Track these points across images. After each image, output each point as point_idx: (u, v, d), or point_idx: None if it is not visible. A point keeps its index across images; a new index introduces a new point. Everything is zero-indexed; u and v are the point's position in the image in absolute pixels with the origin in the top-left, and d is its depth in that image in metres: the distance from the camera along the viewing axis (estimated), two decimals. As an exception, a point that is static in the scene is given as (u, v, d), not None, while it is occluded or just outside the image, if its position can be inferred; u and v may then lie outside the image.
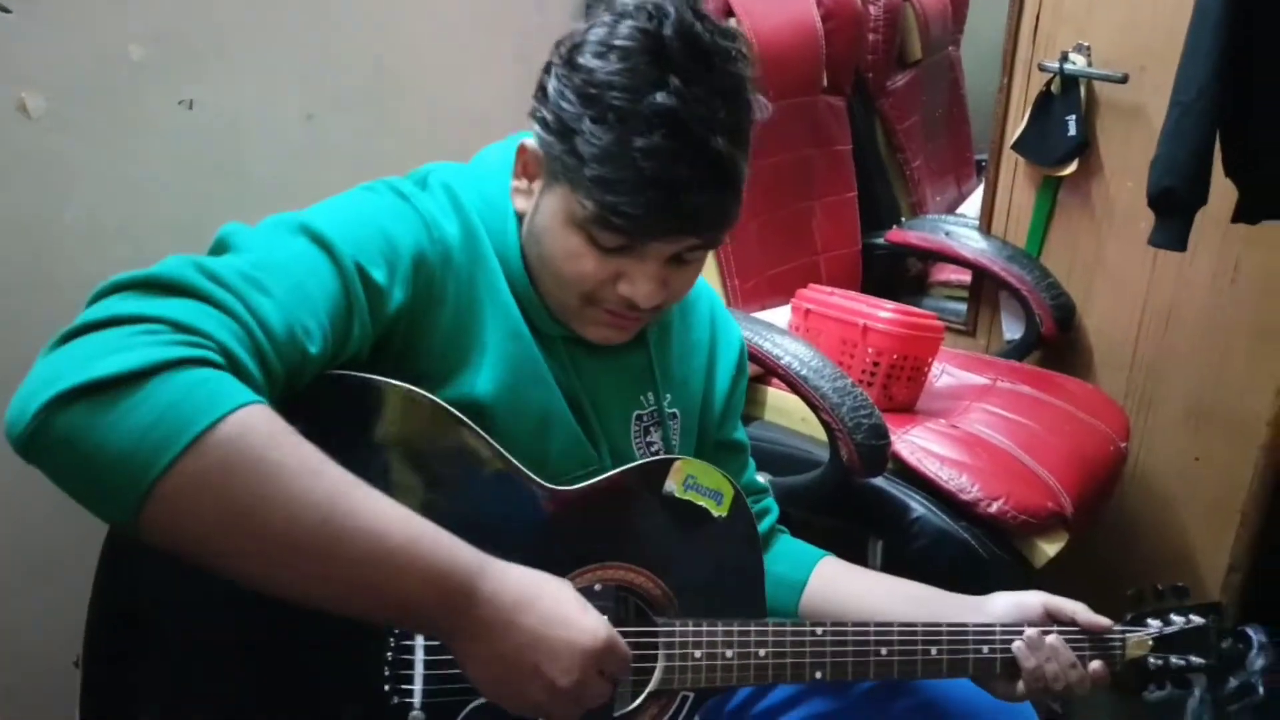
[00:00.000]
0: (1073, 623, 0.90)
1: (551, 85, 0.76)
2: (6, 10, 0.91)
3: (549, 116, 0.75)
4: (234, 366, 0.63)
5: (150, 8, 1.02)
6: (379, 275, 0.74)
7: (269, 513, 0.59)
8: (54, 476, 0.58)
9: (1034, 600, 0.91)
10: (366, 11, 1.24)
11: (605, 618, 0.71)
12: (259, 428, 0.60)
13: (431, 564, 0.64)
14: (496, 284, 0.82)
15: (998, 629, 0.88)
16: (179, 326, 0.61)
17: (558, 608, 0.69)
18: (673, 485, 0.85)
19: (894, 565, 1.17)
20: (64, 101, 0.98)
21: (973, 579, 1.16)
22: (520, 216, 0.83)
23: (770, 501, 1.05)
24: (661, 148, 0.71)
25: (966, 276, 1.98)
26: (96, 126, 1.01)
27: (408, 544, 0.63)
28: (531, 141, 0.80)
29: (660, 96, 0.71)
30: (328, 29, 1.21)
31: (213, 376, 0.60)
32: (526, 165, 0.81)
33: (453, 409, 0.77)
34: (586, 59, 0.73)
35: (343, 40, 1.23)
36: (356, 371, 0.75)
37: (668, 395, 0.94)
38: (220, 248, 0.72)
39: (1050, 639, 0.87)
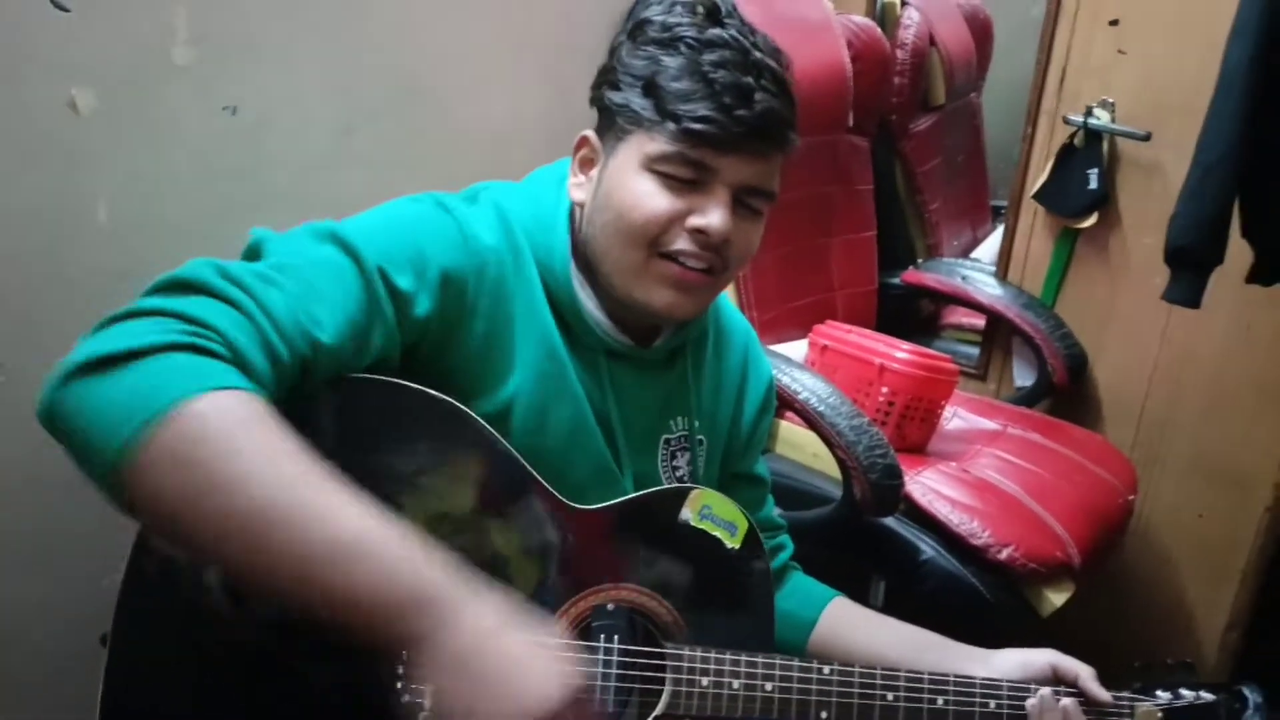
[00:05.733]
0: (1075, 685, 0.90)
1: (622, 54, 0.84)
2: (64, 9, 0.93)
3: (621, 78, 0.83)
4: (238, 358, 0.65)
5: (198, 13, 1.04)
6: (404, 282, 0.76)
7: (219, 490, 0.60)
8: (64, 447, 0.62)
9: (1041, 659, 0.92)
10: (402, 28, 1.27)
11: (567, 679, 0.63)
12: (232, 410, 0.61)
13: (391, 568, 0.61)
14: (535, 301, 0.83)
15: (1005, 684, 0.88)
16: (187, 319, 0.64)
17: (518, 656, 0.63)
18: (689, 513, 0.86)
19: (896, 606, 1.18)
20: (112, 100, 0.99)
21: (978, 624, 1.17)
22: (577, 210, 0.87)
23: (785, 538, 1.06)
24: (728, 60, 0.80)
25: (978, 320, 2.00)
26: (140, 126, 1.03)
27: (362, 540, 0.61)
28: (589, 132, 0.87)
29: (720, 29, 0.82)
30: (364, 44, 1.23)
31: (205, 362, 0.63)
32: (585, 157, 0.87)
33: (486, 424, 0.79)
34: (654, 17, 0.83)
35: (380, 54, 1.25)
36: (384, 376, 0.76)
37: (698, 422, 0.95)
38: (251, 254, 0.74)
39: (1065, 702, 0.87)
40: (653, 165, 0.81)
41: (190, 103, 1.06)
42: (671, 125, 0.79)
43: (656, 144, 0.80)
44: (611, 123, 0.84)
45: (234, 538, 0.60)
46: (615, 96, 0.83)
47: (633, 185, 0.81)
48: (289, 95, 1.16)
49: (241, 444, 0.60)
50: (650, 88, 0.80)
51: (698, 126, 0.78)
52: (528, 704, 0.62)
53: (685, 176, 0.80)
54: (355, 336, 0.73)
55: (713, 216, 0.80)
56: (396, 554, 0.62)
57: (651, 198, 0.81)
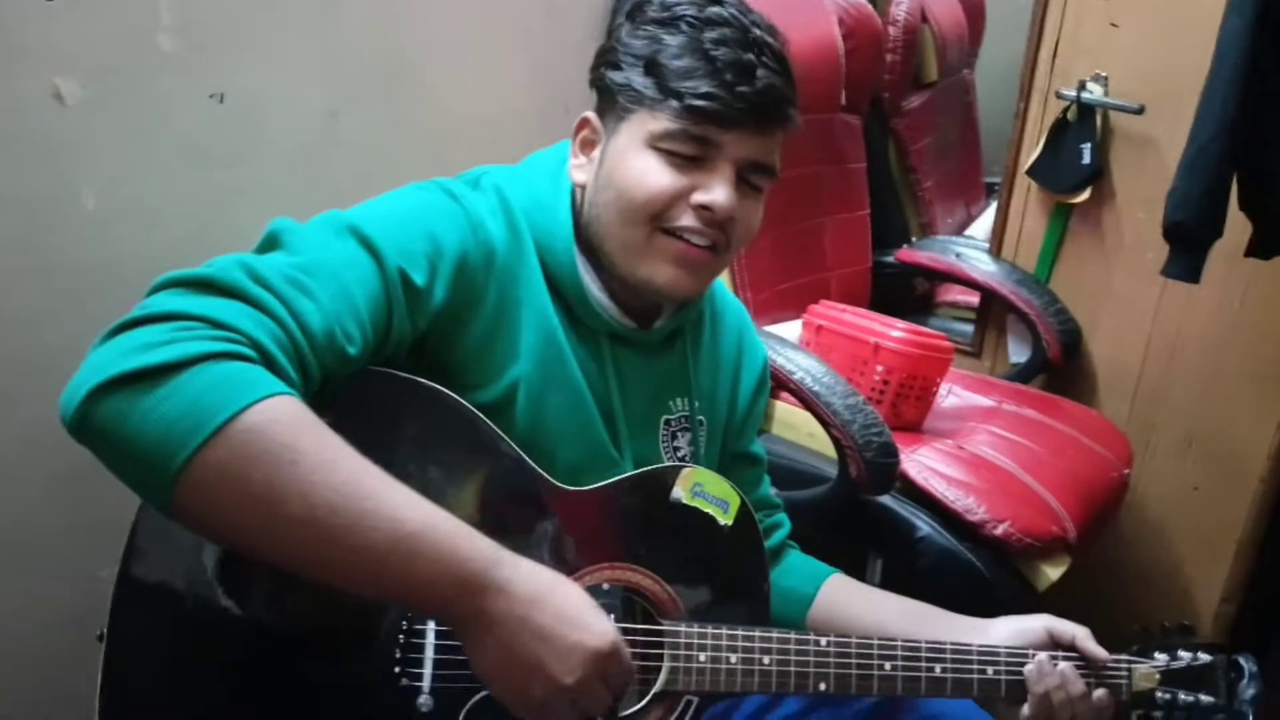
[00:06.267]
0: (1071, 647, 0.91)
1: (621, 34, 0.85)
2: (47, -4, 0.92)
3: (621, 58, 0.83)
4: (268, 363, 0.65)
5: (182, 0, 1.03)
6: (420, 278, 0.76)
7: (288, 499, 0.61)
8: (100, 459, 0.62)
9: (1037, 624, 0.92)
10: (388, 13, 1.26)
11: (614, 624, 0.72)
12: (282, 418, 0.62)
13: (446, 551, 0.65)
14: (536, 288, 0.84)
15: (1002, 651, 0.89)
16: (217, 324, 0.64)
17: (570, 607, 0.70)
18: (681, 492, 0.86)
19: (893, 583, 1.18)
20: (97, 88, 0.98)
21: (975, 600, 1.16)
22: (579, 192, 0.87)
23: (782, 516, 1.06)
24: (728, 38, 0.81)
25: (973, 298, 2.00)
26: (127, 115, 1.02)
27: (423, 530, 0.64)
28: (590, 114, 0.87)
29: (720, 8, 0.83)
30: (351, 29, 1.22)
31: (243, 369, 0.62)
32: (586, 139, 0.87)
33: (472, 408, 0.79)
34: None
35: (366, 41, 1.24)
36: (383, 368, 0.77)
37: (697, 402, 0.95)
38: (269, 244, 0.74)
39: (1062, 666, 0.88)
40: (656, 143, 0.81)
41: (176, 90, 1.06)
42: (675, 103, 0.79)
43: (660, 122, 0.80)
44: (613, 103, 0.84)
45: (303, 545, 0.63)
46: (616, 76, 0.83)
47: (636, 163, 0.81)
48: (276, 81, 1.15)
49: (299, 452, 0.61)
50: (652, 66, 0.81)
51: (701, 103, 0.79)
52: (589, 643, 0.69)
53: (689, 153, 0.81)
54: (378, 341, 0.74)
55: (717, 193, 0.81)
56: (454, 542, 0.66)
57: (655, 174, 0.81)
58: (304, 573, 0.65)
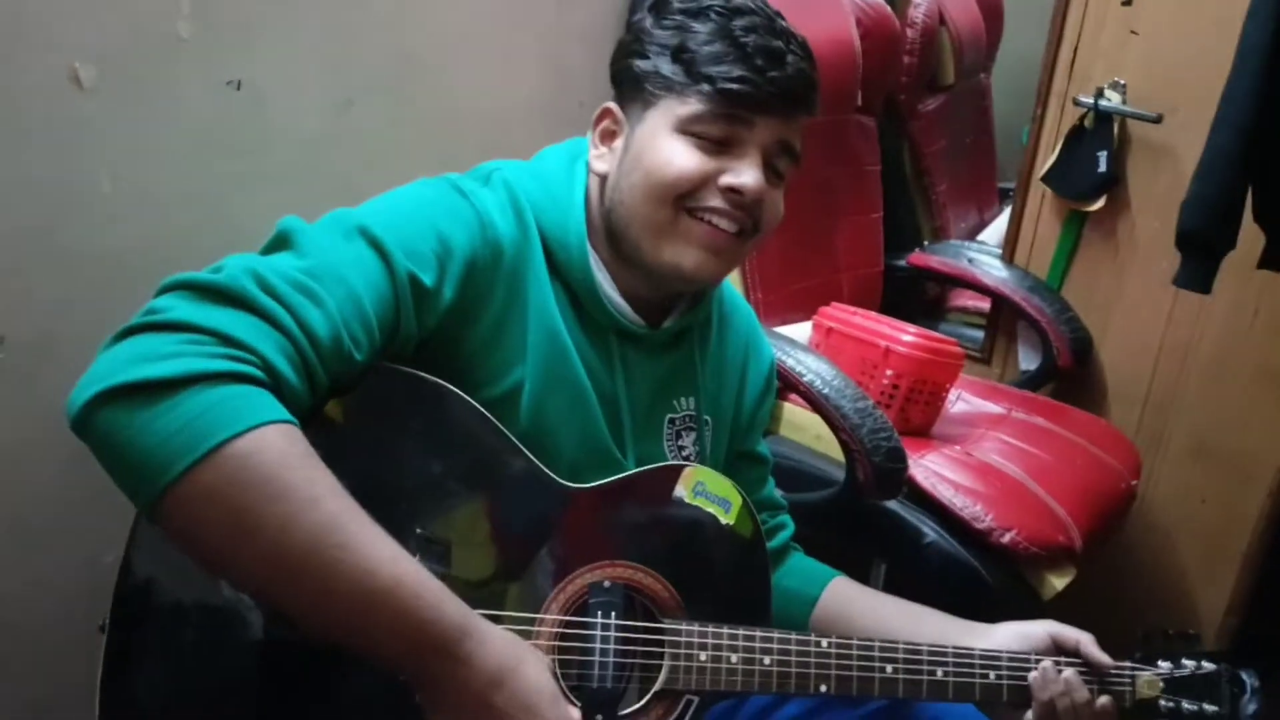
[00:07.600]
0: (1076, 653, 0.90)
1: (645, 25, 0.85)
2: (66, -20, 0.93)
3: (648, 47, 0.84)
4: (275, 381, 0.65)
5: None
6: (429, 278, 0.76)
7: (262, 532, 0.61)
8: (98, 460, 0.63)
9: (1040, 629, 0.92)
10: (404, 5, 1.26)
11: (576, 712, 0.72)
12: (272, 449, 0.62)
13: (411, 613, 0.65)
14: (542, 285, 0.84)
15: (1004, 656, 0.88)
16: (226, 339, 0.64)
17: (529, 693, 0.69)
18: (682, 491, 0.86)
19: (898, 588, 1.18)
20: (115, 74, 0.99)
21: (980, 608, 1.16)
22: (596, 182, 0.87)
23: (786, 518, 1.06)
24: (758, 25, 0.82)
25: (983, 303, 1.99)
26: (144, 100, 1.02)
27: (391, 588, 0.64)
28: (611, 104, 0.88)
29: None
30: (366, 18, 1.22)
31: (244, 392, 0.63)
32: (607, 129, 0.87)
33: (476, 404, 0.79)
34: None
35: (380, 31, 1.24)
36: (389, 363, 0.77)
37: (703, 401, 0.95)
38: (278, 244, 0.74)
39: (1067, 674, 0.88)
40: (686, 127, 0.82)
41: (194, 77, 1.06)
42: (706, 87, 0.80)
43: (689, 106, 0.81)
44: (638, 91, 0.84)
45: (274, 580, 0.63)
46: (643, 65, 0.84)
47: (664, 147, 0.82)
48: (291, 70, 1.15)
49: (283, 486, 0.61)
50: (680, 53, 0.82)
51: (733, 87, 0.80)
52: None
53: (718, 136, 0.82)
54: (385, 342, 0.75)
55: (746, 175, 0.81)
56: (423, 601, 0.65)
57: (684, 156, 0.82)
58: (270, 605, 0.66)
